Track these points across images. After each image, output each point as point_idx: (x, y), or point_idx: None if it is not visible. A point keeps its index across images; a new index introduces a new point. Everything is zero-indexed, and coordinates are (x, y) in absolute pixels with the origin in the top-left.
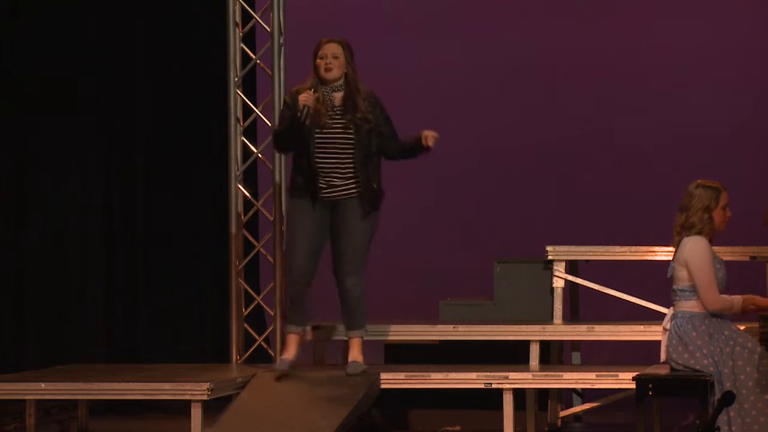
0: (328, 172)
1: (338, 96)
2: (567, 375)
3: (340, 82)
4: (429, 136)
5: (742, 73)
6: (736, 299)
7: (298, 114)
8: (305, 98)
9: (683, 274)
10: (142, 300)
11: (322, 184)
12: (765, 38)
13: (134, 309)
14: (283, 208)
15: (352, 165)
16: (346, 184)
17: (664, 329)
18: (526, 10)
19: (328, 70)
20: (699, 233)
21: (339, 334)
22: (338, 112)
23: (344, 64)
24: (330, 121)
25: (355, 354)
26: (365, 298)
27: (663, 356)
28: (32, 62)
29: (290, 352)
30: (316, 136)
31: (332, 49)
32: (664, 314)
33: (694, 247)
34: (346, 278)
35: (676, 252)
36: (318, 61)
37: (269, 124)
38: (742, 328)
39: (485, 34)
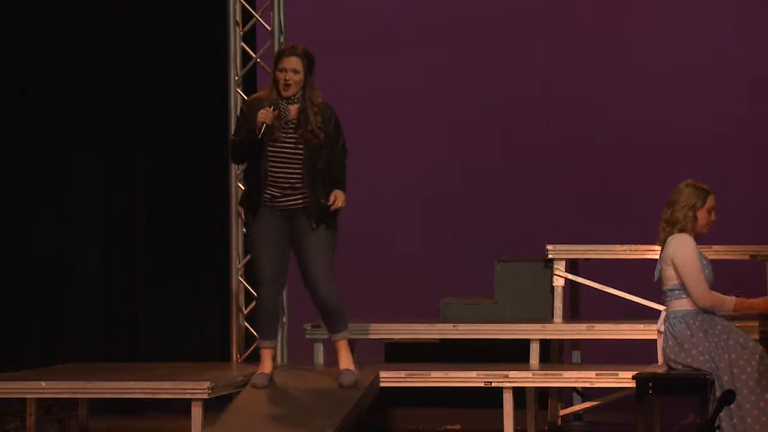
0: (280, 183)
1: (293, 108)
2: (567, 374)
3: (297, 95)
4: (336, 204)
5: (743, 73)
6: (729, 298)
7: (256, 131)
8: (264, 116)
9: (670, 272)
10: (142, 299)
11: (276, 192)
12: (765, 38)
13: (135, 308)
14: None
15: (300, 178)
16: (297, 196)
17: (659, 332)
18: (527, 13)
19: (286, 86)
20: (682, 230)
21: None
22: (291, 125)
23: (302, 79)
24: (282, 134)
25: (346, 360)
26: (342, 301)
27: (660, 359)
28: (34, 62)
29: (266, 366)
30: (269, 149)
31: (292, 63)
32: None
33: (680, 243)
34: (319, 288)
35: (662, 251)
36: (278, 74)
37: None
38: (736, 325)
39: (487, 37)
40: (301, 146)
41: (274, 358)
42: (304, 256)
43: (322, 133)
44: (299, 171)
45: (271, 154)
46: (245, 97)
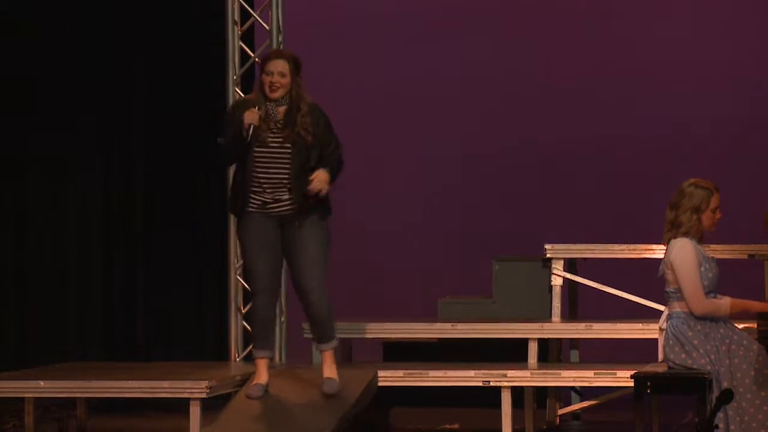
0: (269, 187)
1: (281, 110)
2: (565, 373)
3: (285, 97)
4: (313, 183)
5: (743, 73)
6: (724, 304)
7: (243, 133)
8: (251, 117)
9: (671, 276)
10: (141, 298)
11: (267, 198)
12: (763, 38)
13: (133, 307)
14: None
15: (288, 177)
16: (288, 199)
17: (660, 329)
18: (527, 13)
19: (273, 90)
20: (686, 233)
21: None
22: (279, 126)
23: (289, 83)
24: (270, 135)
25: (330, 370)
26: (332, 309)
27: (660, 355)
28: (31, 58)
29: (262, 377)
30: (256, 150)
31: (279, 66)
32: (662, 312)
33: (679, 251)
34: (310, 295)
35: (665, 252)
36: (264, 77)
37: None
38: (740, 326)
39: (487, 35)
40: (288, 145)
41: (269, 368)
42: (300, 261)
43: (310, 135)
44: (287, 170)
45: (257, 156)
46: (243, 96)
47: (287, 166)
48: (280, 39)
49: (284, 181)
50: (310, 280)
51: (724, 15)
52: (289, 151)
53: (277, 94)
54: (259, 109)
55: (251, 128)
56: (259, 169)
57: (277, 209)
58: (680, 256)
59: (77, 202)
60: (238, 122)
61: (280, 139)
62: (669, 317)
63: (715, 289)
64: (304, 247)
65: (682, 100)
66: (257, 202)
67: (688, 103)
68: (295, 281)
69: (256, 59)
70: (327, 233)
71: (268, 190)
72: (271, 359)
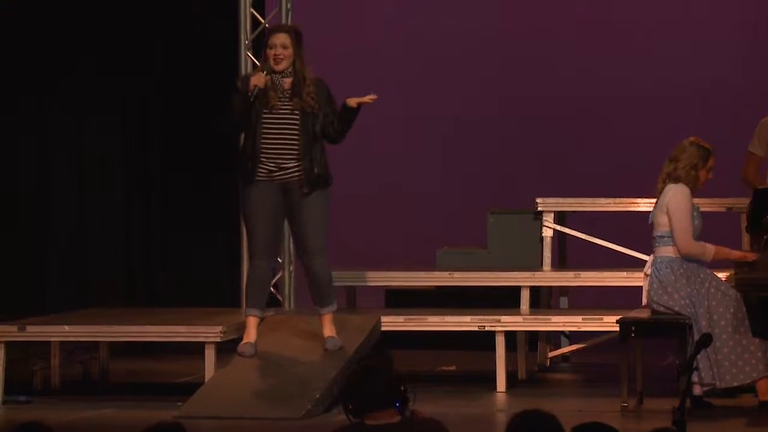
0: (276, 155)
1: (287, 81)
2: (555, 318)
3: (289, 69)
4: (357, 100)
5: (724, 30)
6: (709, 247)
7: (248, 94)
8: (257, 79)
9: (663, 219)
10: (159, 249)
11: (272, 167)
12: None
13: (152, 256)
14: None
15: (297, 148)
16: (295, 167)
17: (645, 274)
18: None
19: (277, 62)
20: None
21: (340, 280)
22: (286, 95)
23: (292, 54)
24: (278, 104)
25: (330, 330)
26: (331, 274)
27: (644, 300)
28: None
29: (251, 336)
30: (264, 117)
31: (281, 39)
32: (646, 261)
33: (677, 193)
34: (313, 260)
35: (658, 199)
36: (268, 50)
37: None
38: (720, 275)
39: None
40: (297, 113)
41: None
42: (301, 229)
43: (316, 103)
44: (296, 138)
45: (266, 122)
46: (254, 60)
47: (296, 134)
48: (288, 6)
49: (292, 149)
50: (315, 245)
51: None
52: (298, 119)
53: (281, 66)
54: (266, 74)
55: (256, 89)
56: (267, 136)
57: (283, 176)
58: (677, 197)
59: (98, 151)
60: (244, 88)
61: (288, 107)
62: (654, 262)
63: (698, 238)
64: (309, 214)
65: (664, 57)
66: (264, 169)
67: (670, 60)
68: (300, 246)
69: (266, 25)
70: (328, 201)
71: (274, 158)
72: (262, 319)
